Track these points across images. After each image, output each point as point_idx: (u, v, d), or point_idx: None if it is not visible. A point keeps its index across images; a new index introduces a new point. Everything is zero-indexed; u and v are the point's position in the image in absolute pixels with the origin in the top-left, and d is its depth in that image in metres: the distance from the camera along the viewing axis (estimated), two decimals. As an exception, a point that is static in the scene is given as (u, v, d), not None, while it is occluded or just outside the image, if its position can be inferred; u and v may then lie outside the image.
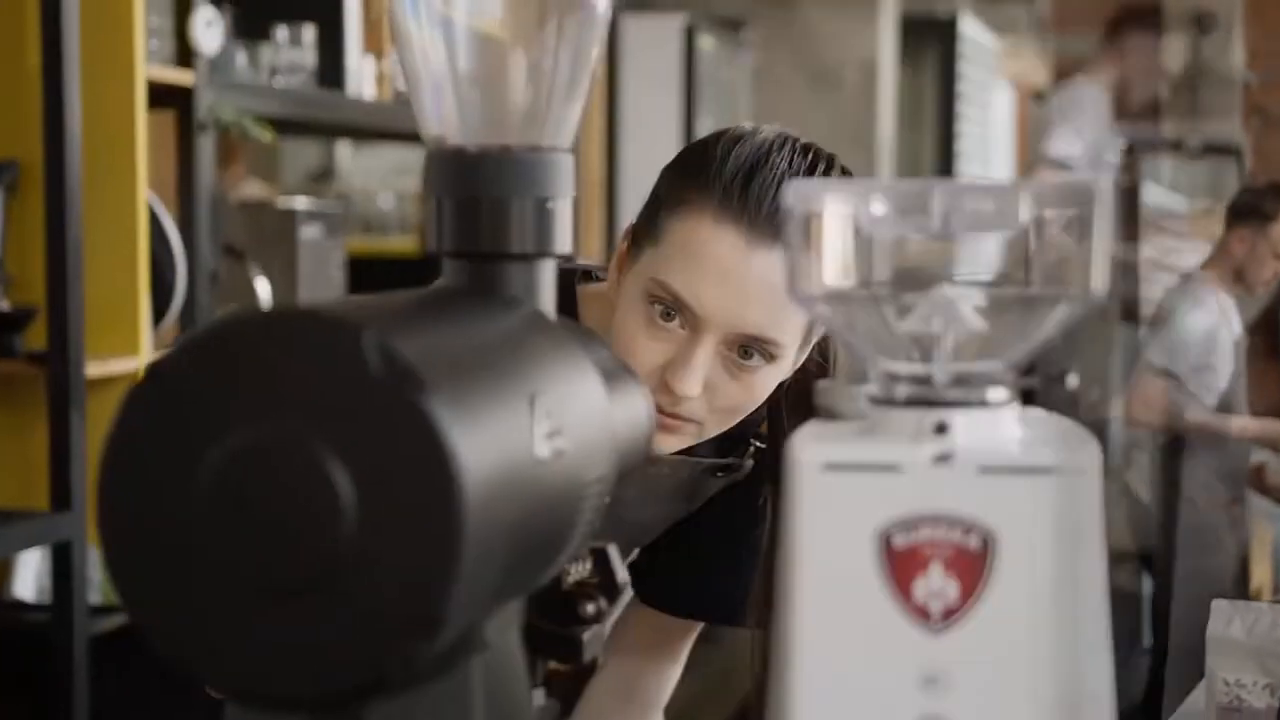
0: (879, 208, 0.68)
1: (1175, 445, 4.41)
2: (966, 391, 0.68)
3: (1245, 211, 4.39)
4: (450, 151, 0.77)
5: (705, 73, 4.76)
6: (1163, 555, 4.25)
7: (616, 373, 0.82)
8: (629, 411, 0.81)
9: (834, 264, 0.69)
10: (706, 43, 4.80)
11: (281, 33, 3.01)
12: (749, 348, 1.25)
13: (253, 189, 4.05)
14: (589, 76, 0.80)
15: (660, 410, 1.25)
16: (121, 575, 0.61)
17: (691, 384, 1.24)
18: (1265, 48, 4.95)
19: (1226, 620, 1.87)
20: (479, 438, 0.60)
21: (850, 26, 5.42)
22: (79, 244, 2.28)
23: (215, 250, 2.77)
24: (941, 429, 0.66)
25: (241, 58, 2.89)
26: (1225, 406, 4.37)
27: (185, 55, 2.58)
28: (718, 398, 1.26)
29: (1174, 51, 4.68)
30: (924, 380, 0.68)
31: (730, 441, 1.39)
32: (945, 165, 7.27)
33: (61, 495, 2.29)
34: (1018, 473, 0.65)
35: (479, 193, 0.76)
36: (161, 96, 2.55)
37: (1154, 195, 4.65)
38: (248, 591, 0.59)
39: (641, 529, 1.41)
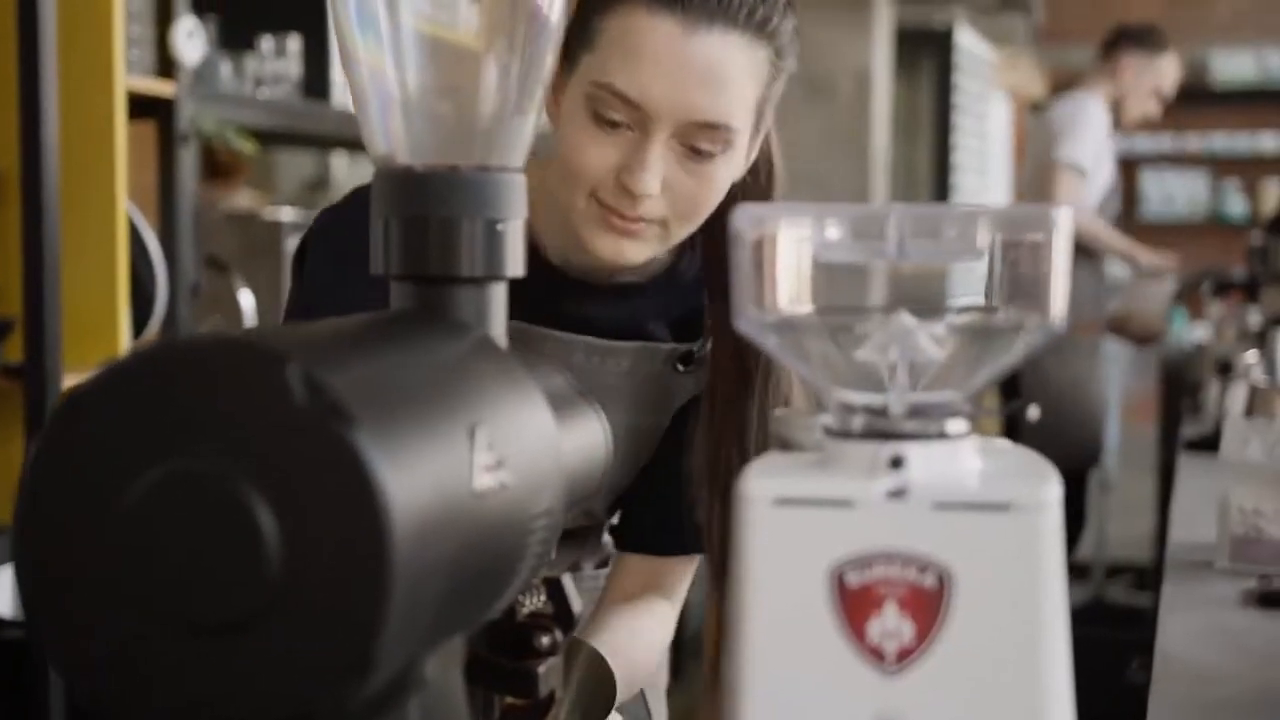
0: (833, 233, 0.65)
1: None
2: (924, 423, 0.65)
3: (1131, 39, 4.53)
4: (398, 171, 0.75)
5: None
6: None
7: (568, 399, 0.79)
8: (581, 438, 0.78)
9: (787, 290, 0.66)
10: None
11: (266, 43, 2.98)
12: (699, 140, 1.23)
13: (246, 199, 4.02)
14: (540, 92, 0.77)
15: (621, 215, 1.24)
16: (37, 609, 0.59)
17: (648, 181, 1.22)
18: None
19: (1242, 440, 1.72)
20: (411, 472, 0.58)
21: (845, 36, 5.41)
22: (56, 255, 2.25)
23: (198, 262, 2.75)
24: (897, 463, 0.64)
25: (226, 68, 2.86)
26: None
27: (167, 66, 2.56)
28: (677, 196, 1.25)
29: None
30: (880, 411, 0.66)
31: (686, 329, 1.38)
32: (941, 176, 7.25)
33: (39, 509, 2.26)
34: (975, 509, 0.62)
35: (427, 213, 0.74)
36: (143, 107, 2.53)
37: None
38: (169, 629, 0.57)
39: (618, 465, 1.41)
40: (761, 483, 0.64)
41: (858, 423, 0.66)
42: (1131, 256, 4.65)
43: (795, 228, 0.66)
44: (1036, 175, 4.56)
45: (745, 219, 0.65)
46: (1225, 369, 3.08)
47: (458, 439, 0.62)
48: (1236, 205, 9.82)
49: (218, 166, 3.86)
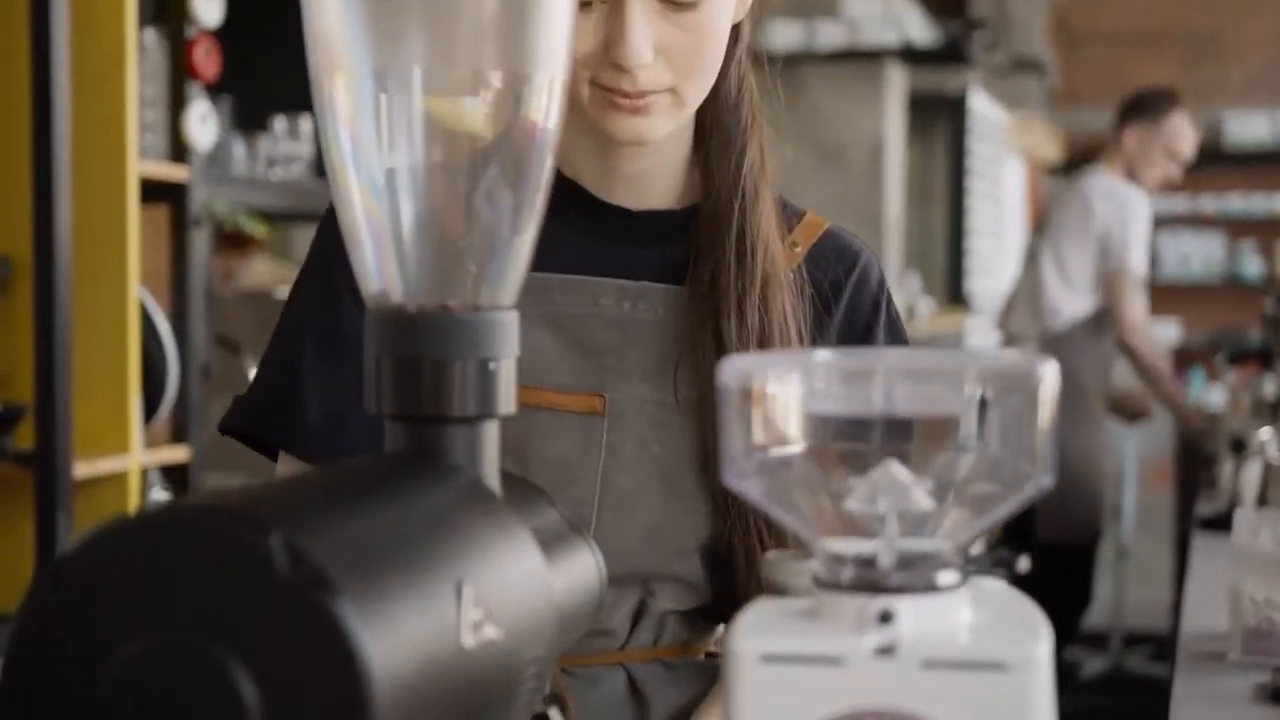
0: (820, 384, 0.65)
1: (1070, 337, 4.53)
2: (913, 575, 0.65)
3: (1132, 109, 4.57)
4: (390, 310, 0.75)
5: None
6: None
7: (560, 535, 0.79)
8: (573, 576, 0.78)
9: (773, 439, 0.66)
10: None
11: (279, 123, 3.00)
12: None
13: (262, 266, 4.04)
14: (533, 231, 0.77)
15: (624, 94, 1.18)
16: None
17: (636, 50, 1.16)
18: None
19: (1252, 530, 1.68)
20: (396, 638, 0.57)
21: (857, 105, 5.42)
22: (68, 344, 2.26)
23: (209, 342, 2.75)
24: (886, 618, 0.63)
25: (239, 148, 2.88)
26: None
27: (180, 150, 2.58)
28: (674, 55, 1.18)
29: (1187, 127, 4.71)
30: (869, 561, 0.66)
31: None
32: (955, 241, 7.26)
33: (49, 595, 2.25)
34: (965, 668, 0.62)
35: (420, 354, 0.74)
36: (156, 191, 2.54)
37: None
38: (153, 800, 0.57)
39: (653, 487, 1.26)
40: (750, 639, 0.63)
41: (846, 574, 0.65)
42: (1176, 408, 4.67)
43: (782, 381, 0.65)
44: (1104, 280, 4.53)
45: (732, 372, 0.65)
46: (1239, 446, 3.06)
47: (444, 597, 0.62)
48: (1252, 266, 9.81)
49: (233, 237, 3.88)
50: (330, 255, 1.27)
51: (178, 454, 2.62)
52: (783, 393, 0.66)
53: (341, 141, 0.75)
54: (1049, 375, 0.64)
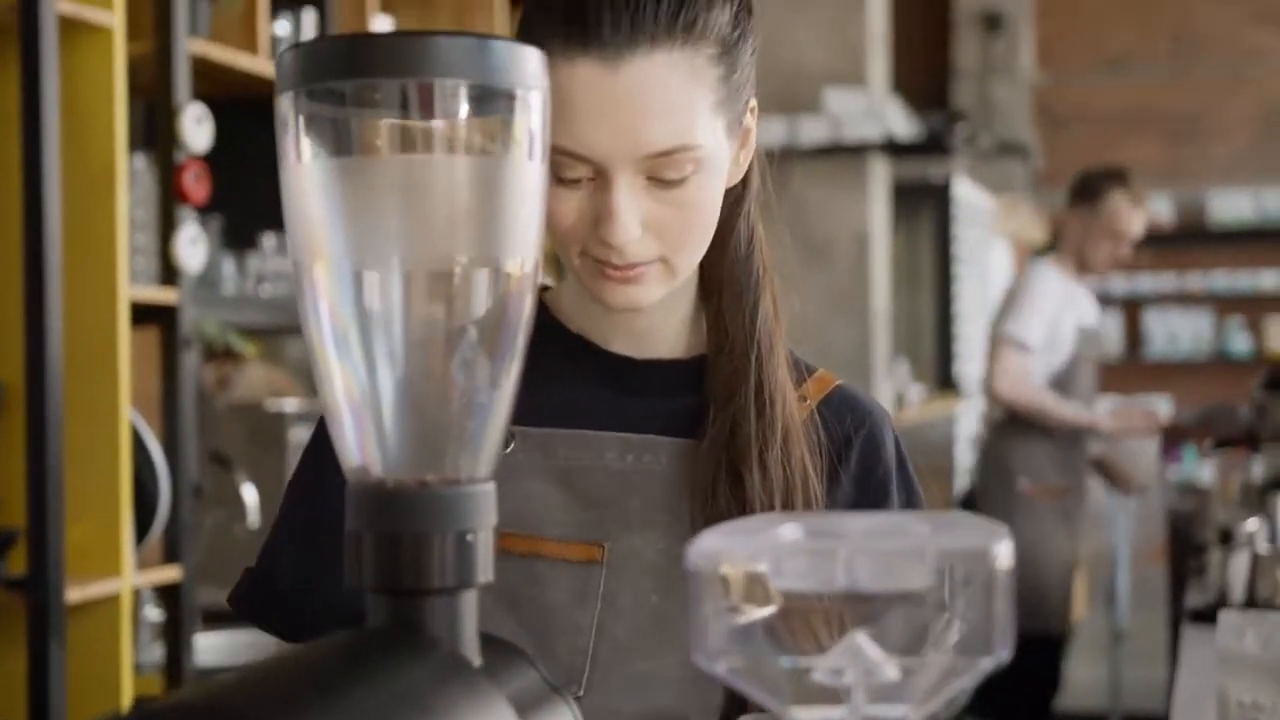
0: (786, 562, 0.68)
1: (1005, 427, 4.54)
2: (880, 744, 0.67)
3: (1076, 193, 4.62)
4: (371, 485, 0.77)
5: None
6: None
7: (540, 698, 0.81)
8: (554, 740, 0.80)
9: (741, 616, 0.69)
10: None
11: (268, 240, 3.04)
12: (663, 170, 1.15)
13: (256, 375, 4.06)
14: (508, 405, 0.80)
15: (614, 267, 1.17)
16: None
17: (624, 228, 1.15)
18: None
19: (1238, 633, 1.68)
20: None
21: (843, 199, 5.49)
22: (60, 467, 2.28)
23: (201, 459, 2.78)
24: (853, 788, 0.65)
25: (229, 266, 2.92)
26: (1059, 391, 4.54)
27: (170, 273, 2.61)
28: (663, 230, 1.17)
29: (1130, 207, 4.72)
30: (836, 732, 0.68)
31: None
32: (944, 325, 7.31)
33: (40, 726, 2.27)
34: (927, 842, 0.64)
35: (399, 528, 0.76)
36: (146, 313, 2.58)
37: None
38: None
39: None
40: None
41: (815, 746, 0.67)
42: (1090, 426, 4.67)
43: (749, 560, 0.68)
44: (994, 344, 4.62)
45: (699, 553, 0.68)
46: (1226, 537, 3.08)
47: (423, 781, 0.64)
48: (1241, 343, 9.87)
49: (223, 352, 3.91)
50: (322, 449, 1.30)
51: (170, 574, 2.63)
52: (750, 571, 0.68)
53: (322, 322, 0.78)
54: (1003, 552, 0.66)
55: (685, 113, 1.15)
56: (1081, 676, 5.61)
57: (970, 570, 0.67)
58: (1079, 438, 4.64)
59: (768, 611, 0.69)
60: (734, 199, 1.27)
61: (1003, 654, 0.67)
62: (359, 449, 0.78)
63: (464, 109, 0.77)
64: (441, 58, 0.75)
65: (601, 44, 1.13)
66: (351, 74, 0.77)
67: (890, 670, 0.68)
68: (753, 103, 1.25)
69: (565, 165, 1.15)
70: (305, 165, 0.78)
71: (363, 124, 0.86)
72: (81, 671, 2.35)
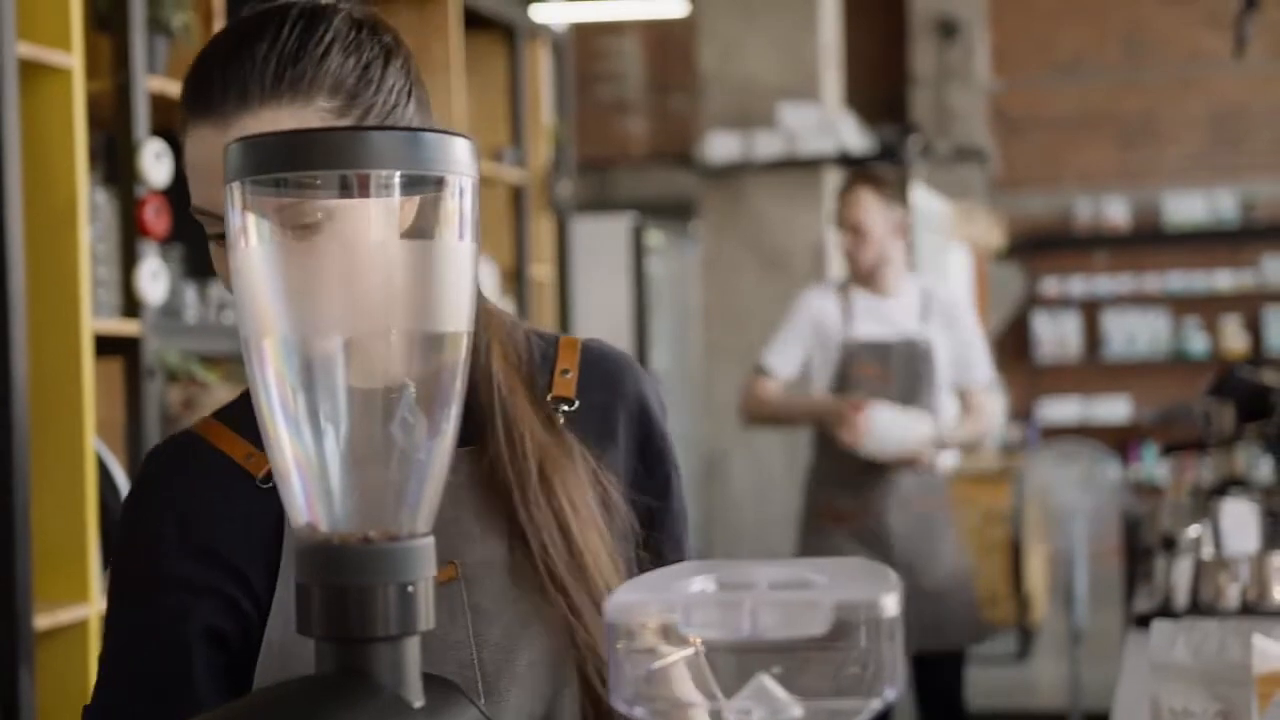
0: (695, 614, 0.74)
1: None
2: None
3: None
4: (318, 541, 0.84)
5: (655, 265, 4.88)
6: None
7: (481, 736, 0.87)
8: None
9: (654, 663, 0.75)
10: (655, 238, 4.93)
11: (229, 268, 3.08)
12: (300, 218, 1.12)
13: (222, 397, 4.09)
14: (445, 464, 0.86)
15: None
16: None
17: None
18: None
19: (1170, 640, 1.72)
20: None
21: (799, 210, 5.56)
22: (26, 496, 2.33)
23: (166, 486, 2.81)
24: (757, 820, 0.72)
25: (191, 294, 2.97)
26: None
27: (132, 305, 2.66)
28: None
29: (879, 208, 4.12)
30: (746, 767, 0.74)
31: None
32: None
33: (11, 753, 2.32)
34: None
35: (345, 581, 0.83)
36: (110, 345, 2.63)
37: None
38: None
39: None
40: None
41: (725, 781, 0.74)
42: (821, 411, 4.16)
43: (661, 613, 0.74)
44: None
45: (614, 608, 0.74)
46: (1170, 543, 3.15)
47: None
48: (1198, 342, 10.00)
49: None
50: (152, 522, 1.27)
51: (137, 597, 2.68)
52: (662, 623, 0.75)
53: (270, 392, 0.85)
54: (890, 601, 0.73)
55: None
56: (1041, 675, 5.68)
57: (861, 618, 0.73)
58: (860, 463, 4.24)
59: (680, 657, 0.76)
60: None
61: (890, 694, 0.74)
62: (306, 508, 0.85)
63: (397, 195, 0.83)
64: (376, 150, 0.82)
65: (213, 109, 1.19)
66: (292, 166, 0.83)
67: (794, 710, 0.75)
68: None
69: (208, 223, 1.20)
70: (252, 249, 0.84)
71: (304, 209, 0.91)
72: (51, 698, 2.40)
